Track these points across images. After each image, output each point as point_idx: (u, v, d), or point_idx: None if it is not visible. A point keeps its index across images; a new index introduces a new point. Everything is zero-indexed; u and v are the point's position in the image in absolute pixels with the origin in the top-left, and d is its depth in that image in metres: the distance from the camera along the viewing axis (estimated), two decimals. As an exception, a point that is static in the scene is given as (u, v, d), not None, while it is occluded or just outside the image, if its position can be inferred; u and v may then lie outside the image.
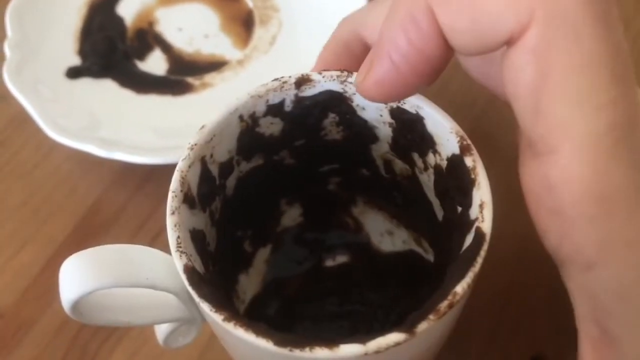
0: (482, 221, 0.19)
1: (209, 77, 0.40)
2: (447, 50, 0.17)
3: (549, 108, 0.16)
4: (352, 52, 0.24)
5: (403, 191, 0.26)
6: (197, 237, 0.21)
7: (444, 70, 0.19)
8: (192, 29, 0.42)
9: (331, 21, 0.41)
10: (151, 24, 0.43)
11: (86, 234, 0.33)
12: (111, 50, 0.40)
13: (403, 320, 0.17)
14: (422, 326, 0.17)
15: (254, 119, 0.22)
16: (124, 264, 0.19)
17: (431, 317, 0.17)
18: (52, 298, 0.31)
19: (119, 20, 0.43)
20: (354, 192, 0.28)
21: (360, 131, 0.24)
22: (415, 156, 0.23)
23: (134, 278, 0.19)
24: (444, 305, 0.17)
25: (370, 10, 0.23)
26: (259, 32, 0.42)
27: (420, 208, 0.25)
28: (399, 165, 0.25)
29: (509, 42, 0.16)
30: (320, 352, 0.16)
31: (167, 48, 0.41)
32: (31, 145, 0.37)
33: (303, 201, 0.28)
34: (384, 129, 0.23)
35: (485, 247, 0.18)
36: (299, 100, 0.22)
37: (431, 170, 0.23)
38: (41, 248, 0.33)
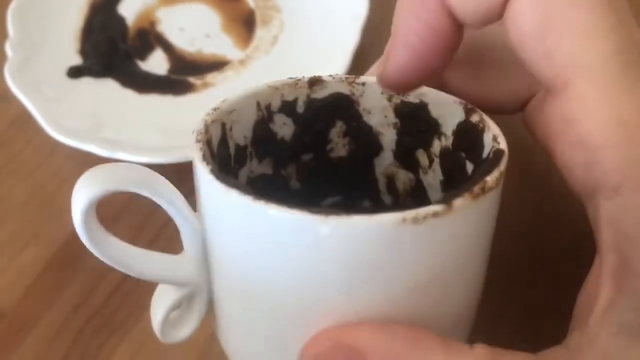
0: (498, 145, 0.19)
1: (211, 77, 0.40)
2: (456, 25, 0.19)
3: (557, 45, 0.17)
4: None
5: None
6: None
7: (456, 50, 0.20)
8: (193, 28, 0.42)
9: (332, 22, 0.42)
10: (152, 23, 0.43)
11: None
12: (112, 50, 0.41)
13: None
14: (459, 202, 0.17)
15: (269, 111, 0.23)
16: (145, 176, 0.19)
17: (466, 195, 0.17)
18: (53, 298, 0.31)
19: (121, 20, 0.43)
20: None
21: (364, 141, 0.24)
22: (420, 153, 0.24)
23: (154, 189, 0.19)
24: (477, 187, 0.17)
25: None
26: (260, 33, 0.42)
27: None
28: (402, 177, 0.25)
29: None
30: (358, 218, 0.16)
31: (168, 48, 0.41)
32: (33, 146, 0.37)
33: None
34: (389, 134, 0.24)
35: (505, 159, 0.19)
36: (310, 102, 0.23)
37: (436, 161, 0.23)
38: (43, 248, 0.33)
